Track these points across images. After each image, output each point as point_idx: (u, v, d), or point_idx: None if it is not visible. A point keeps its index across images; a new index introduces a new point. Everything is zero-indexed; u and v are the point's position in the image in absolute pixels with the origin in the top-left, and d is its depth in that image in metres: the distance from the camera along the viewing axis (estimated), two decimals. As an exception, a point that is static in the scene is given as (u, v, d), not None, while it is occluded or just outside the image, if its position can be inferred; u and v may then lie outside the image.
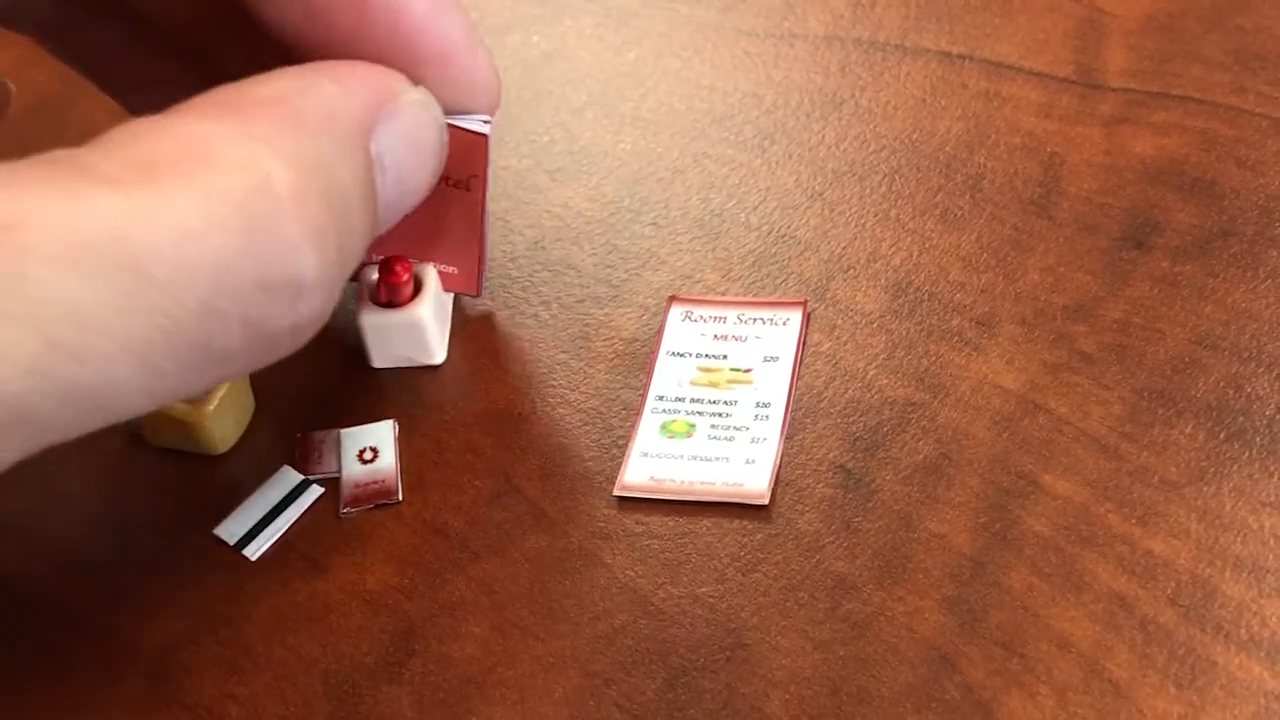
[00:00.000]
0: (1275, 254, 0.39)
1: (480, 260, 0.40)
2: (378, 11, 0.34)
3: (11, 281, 0.25)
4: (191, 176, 0.27)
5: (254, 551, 0.37)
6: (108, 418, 0.28)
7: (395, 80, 0.33)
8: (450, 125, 0.36)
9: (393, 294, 0.39)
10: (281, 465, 0.39)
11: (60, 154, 0.27)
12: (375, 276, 0.39)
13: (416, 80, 0.34)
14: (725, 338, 0.40)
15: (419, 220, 0.37)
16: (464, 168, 0.38)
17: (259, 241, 0.28)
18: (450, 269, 0.40)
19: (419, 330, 0.39)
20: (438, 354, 0.40)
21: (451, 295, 0.41)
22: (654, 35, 0.48)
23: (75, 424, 0.27)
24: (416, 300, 0.39)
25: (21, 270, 0.25)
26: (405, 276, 0.39)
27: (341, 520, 0.37)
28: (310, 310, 0.29)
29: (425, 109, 0.34)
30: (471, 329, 0.41)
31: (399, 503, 0.38)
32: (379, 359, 0.40)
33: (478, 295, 0.41)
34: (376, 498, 0.38)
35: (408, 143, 0.33)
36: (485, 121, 0.37)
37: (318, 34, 0.34)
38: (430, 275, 0.39)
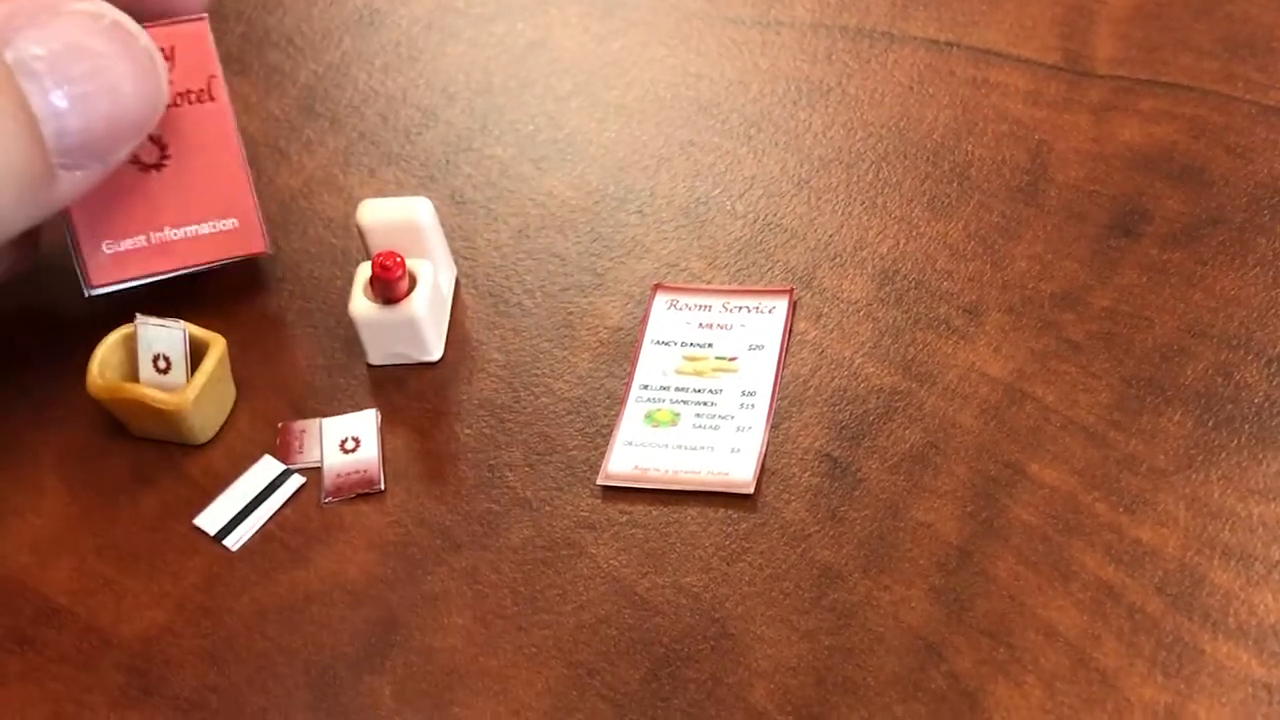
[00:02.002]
0: (1264, 241, 0.39)
1: (253, 197, 0.38)
2: None
3: None
4: None
5: (235, 542, 0.37)
6: None
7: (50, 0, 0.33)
8: (155, 26, 0.35)
9: (387, 290, 0.38)
10: (263, 455, 0.38)
11: None
12: (368, 272, 0.38)
13: None
14: (710, 326, 0.39)
15: (175, 171, 0.37)
16: (197, 71, 0.36)
17: None
18: (227, 223, 0.38)
19: (415, 327, 0.39)
20: (435, 350, 0.40)
21: (450, 290, 0.40)
22: (639, 24, 0.47)
23: None
24: (411, 296, 0.38)
25: None
26: (398, 271, 0.38)
27: (323, 510, 0.37)
28: None
29: (92, 17, 0.34)
30: (455, 318, 0.41)
31: (381, 492, 0.37)
32: (375, 356, 0.39)
33: (265, 250, 0.39)
34: (358, 487, 0.37)
35: (68, 48, 0.33)
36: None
37: None
38: (424, 270, 0.39)
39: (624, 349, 0.39)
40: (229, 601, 0.36)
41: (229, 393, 0.39)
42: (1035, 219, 0.40)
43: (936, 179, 0.42)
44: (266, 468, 0.38)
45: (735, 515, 0.36)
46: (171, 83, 0.37)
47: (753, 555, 0.35)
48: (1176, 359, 0.37)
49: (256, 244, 0.39)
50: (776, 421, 0.37)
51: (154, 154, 0.38)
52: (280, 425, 0.39)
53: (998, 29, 0.45)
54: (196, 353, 0.38)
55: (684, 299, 0.40)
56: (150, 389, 0.37)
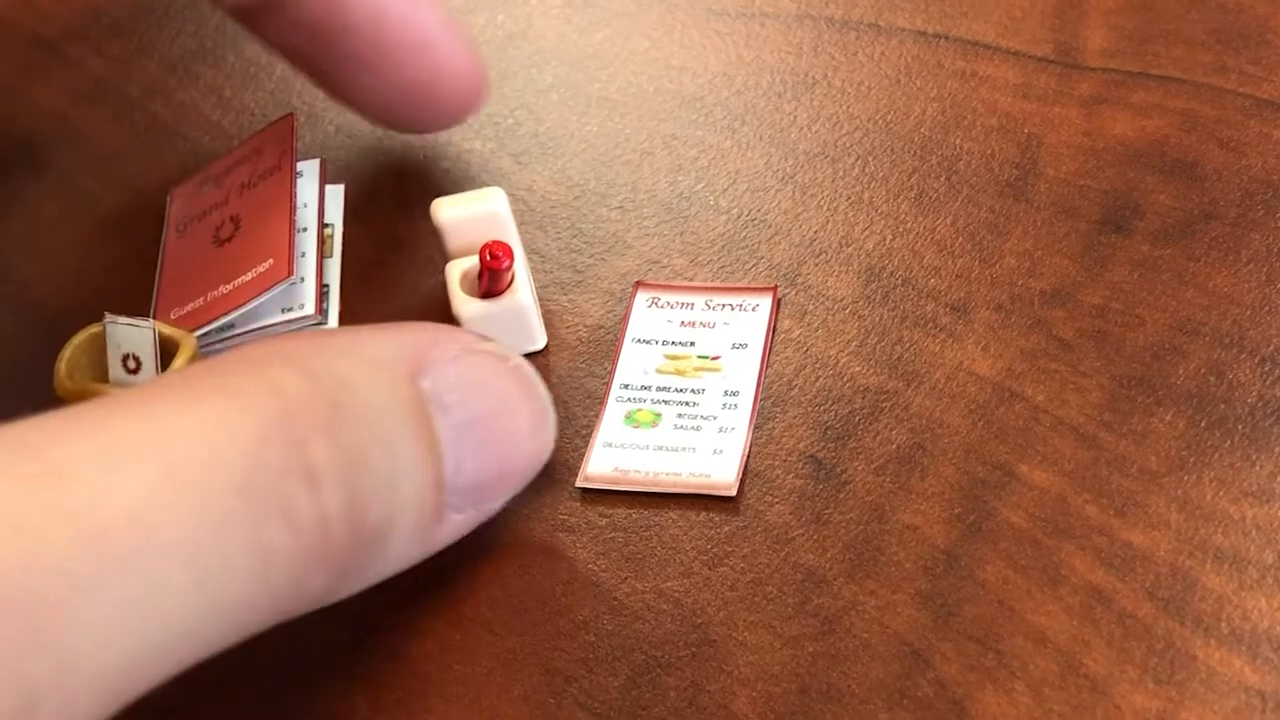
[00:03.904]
0: (1257, 237, 0.38)
1: (291, 237, 0.38)
2: (359, 10, 0.37)
3: (87, 594, 0.26)
4: (215, 386, 0.29)
5: (205, 546, 0.36)
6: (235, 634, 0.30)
7: (460, 333, 0.34)
8: (253, 137, 0.38)
9: (495, 281, 0.37)
10: (234, 457, 0.37)
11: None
12: (460, 270, 0.37)
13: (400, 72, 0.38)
14: (693, 324, 0.38)
15: (240, 240, 0.39)
16: (275, 156, 0.39)
17: (272, 430, 0.29)
18: (264, 264, 0.38)
19: (523, 315, 0.37)
20: (540, 338, 0.38)
21: (530, 276, 0.39)
22: (622, 15, 0.46)
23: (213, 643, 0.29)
24: (514, 285, 0.37)
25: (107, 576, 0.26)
26: (507, 262, 0.36)
27: (295, 513, 0.36)
28: (336, 503, 0.29)
29: (501, 359, 0.33)
30: (432, 314, 0.40)
31: (355, 495, 0.36)
32: None
33: (290, 276, 0.38)
34: (332, 490, 0.36)
35: (479, 386, 0.33)
36: None
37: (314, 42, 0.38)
38: (517, 256, 0.37)
39: (604, 348, 0.38)
40: (199, 607, 0.35)
41: (200, 393, 0.38)
42: (1024, 214, 0.40)
43: (924, 174, 0.41)
44: (238, 469, 0.37)
45: (717, 518, 0.35)
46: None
47: (735, 559, 0.34)
48: (1168, 358, 0.36)
49: (282, 271, 0.38)
50: (760, 422, 0.36)
51: (229, 230, 0.39)
52: (252, 426, 0.38)
53: (987, 20, 0.44)
54: (166, 352, 0.37)
55: (666, 296, 0.39)
56: (120, 390, 0.37)
